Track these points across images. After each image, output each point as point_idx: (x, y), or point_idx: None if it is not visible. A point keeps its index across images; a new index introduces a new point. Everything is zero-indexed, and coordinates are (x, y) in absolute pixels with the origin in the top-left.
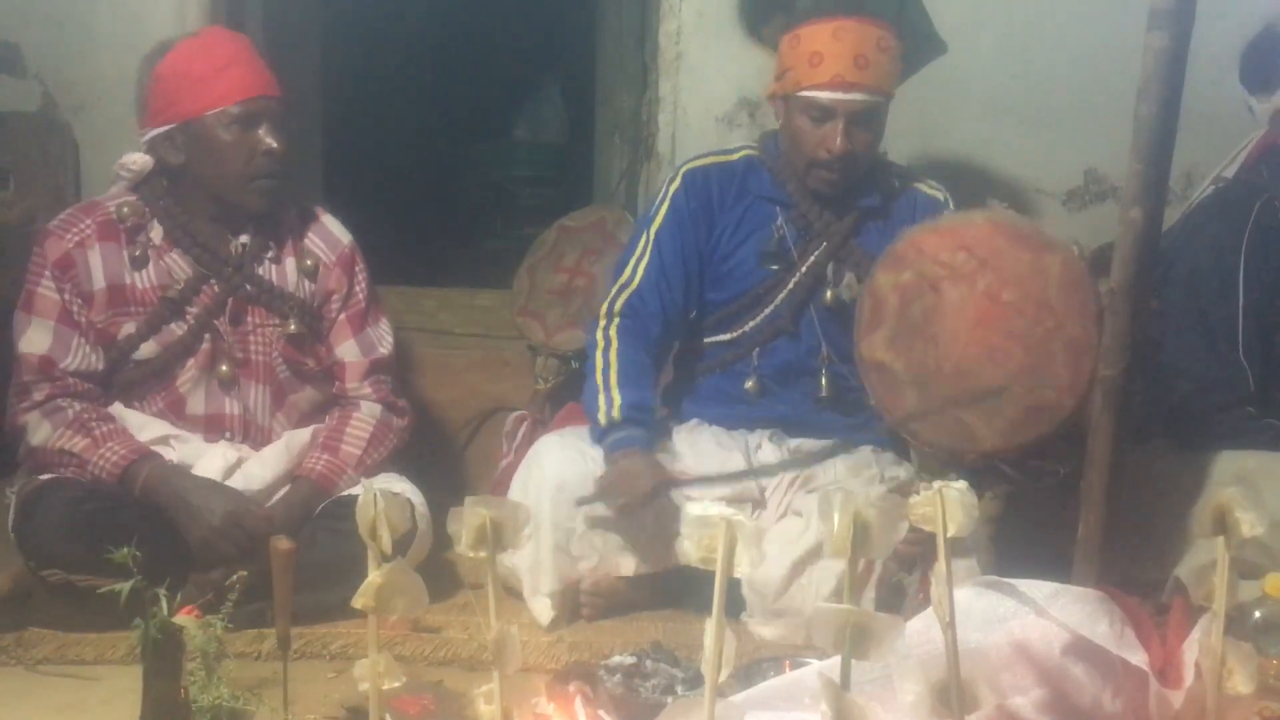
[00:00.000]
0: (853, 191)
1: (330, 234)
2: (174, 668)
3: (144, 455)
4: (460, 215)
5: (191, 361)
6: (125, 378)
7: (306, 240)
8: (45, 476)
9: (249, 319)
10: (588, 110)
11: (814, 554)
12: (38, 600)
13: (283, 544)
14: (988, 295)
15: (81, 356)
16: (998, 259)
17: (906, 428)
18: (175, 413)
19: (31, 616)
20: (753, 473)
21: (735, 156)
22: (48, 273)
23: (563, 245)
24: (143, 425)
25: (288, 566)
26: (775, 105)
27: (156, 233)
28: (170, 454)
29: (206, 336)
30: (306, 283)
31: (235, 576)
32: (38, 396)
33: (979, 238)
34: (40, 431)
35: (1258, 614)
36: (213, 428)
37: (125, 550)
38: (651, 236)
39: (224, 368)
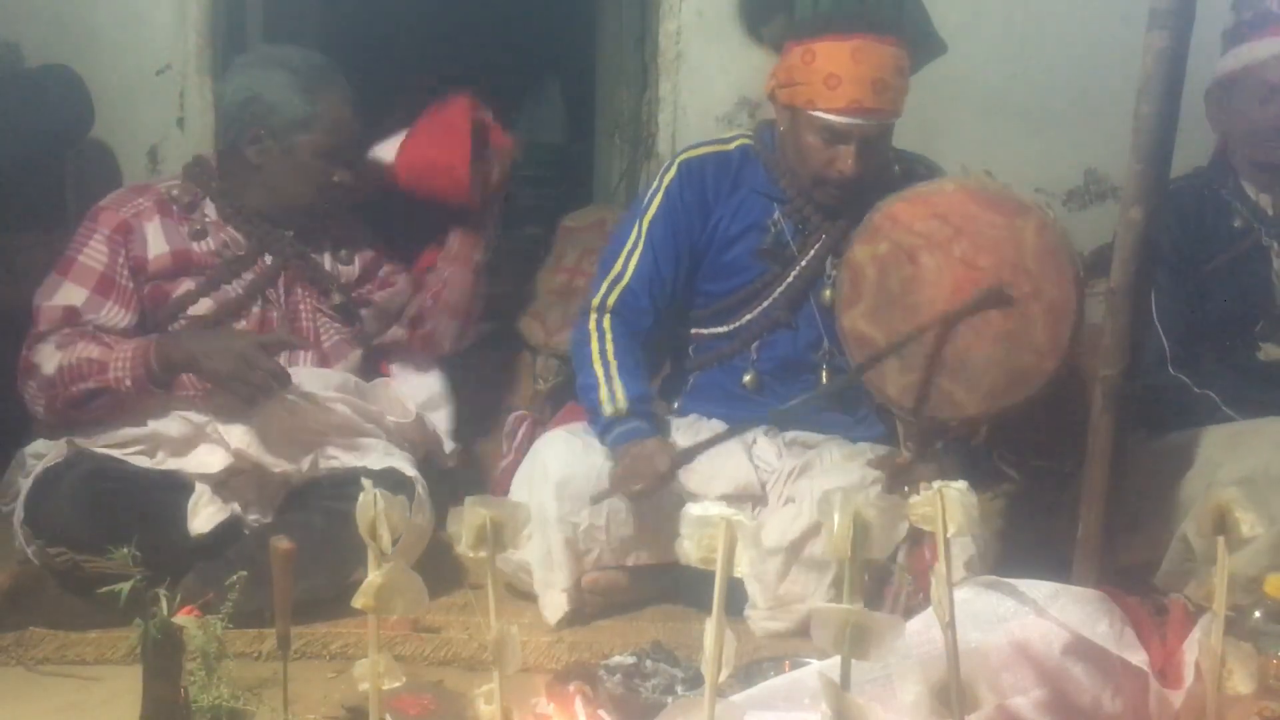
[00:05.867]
0: None
1: (354, 224)
2: (174, 668)
3: (151, 339)
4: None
5: (244, 325)
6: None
7: (338, 230)
8: (57, 459)
9: (299, 291)
10: (588, 110)
11: (809, 534)
12: (38, 600)
13: (283, 544)
14: (964, 262)
15: (108, 314)
16: (971, 225)
17: (882, 388)
18: None
19: (32, 616)
20: (757, 421)
21: (731, 146)
22: (97, 239)
23: (563, 245)
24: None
25: (288, 566)
26: (778, 109)
27: (211, 210)
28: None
29: (259, 302)
30: (342, 269)
31: (235, 576)
32: (42, 330)
33: (951, 205)
34: (53, 359)
35: (1258, 614)
36: None
37: (125, 551)
38: (644, 229)
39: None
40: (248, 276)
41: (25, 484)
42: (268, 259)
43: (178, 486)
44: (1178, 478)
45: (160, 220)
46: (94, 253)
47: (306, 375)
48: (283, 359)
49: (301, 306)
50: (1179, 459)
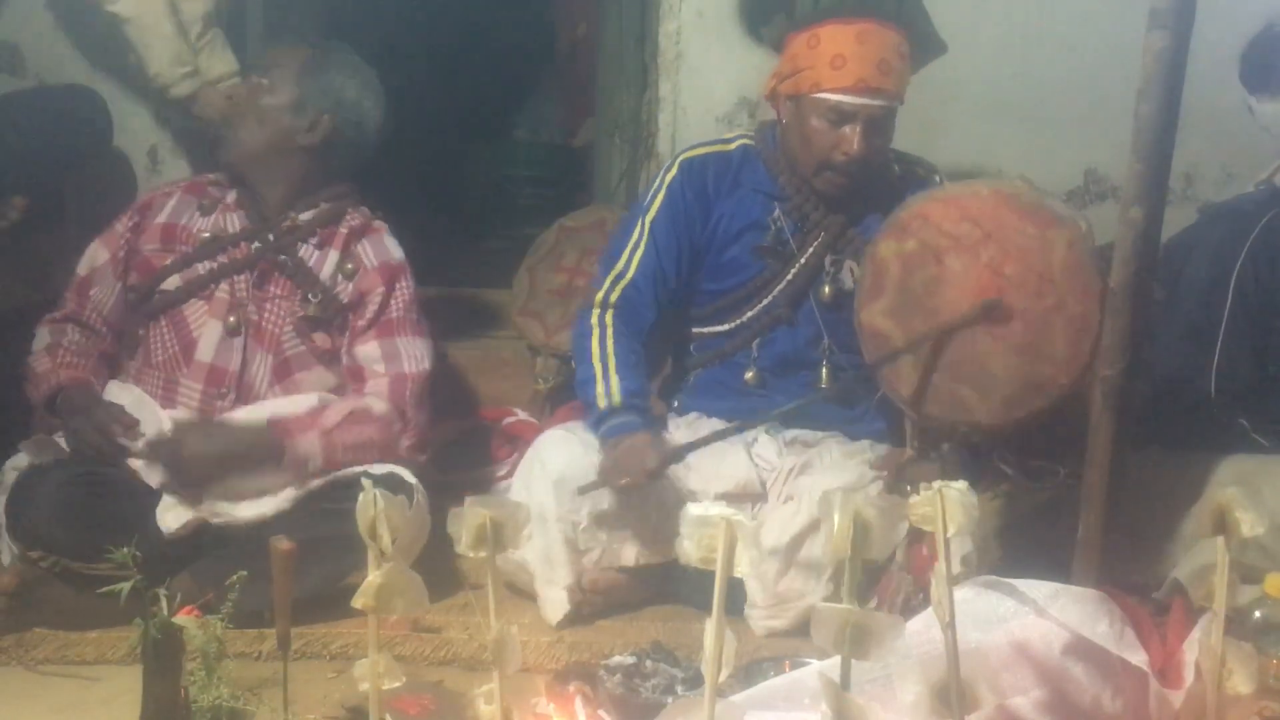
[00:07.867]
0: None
1: (384, 247)
2: (174, 668)
3: (72, 383)
4: (460, 215)
5: (204, 306)
6: (149, 308)
7: (358, 246)
8: (35, 462)
9: (272, 287)
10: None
11: (807, 532)
12: (39, 600)
13: (283, 544)
14: (990, 268)
15: (102, 287)
16: (1002, 232)
17: (896, 387)
18: (186, 356)
19: (32, 616)
20: (751, 422)
21: (731, 146)
22: (127, 213)
23: (563, 245)
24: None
25: (288, 566)
26: (779, 104)
27: (231, 195)
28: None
29: (225, 285)
30: (341, 280)
31: (235, 576)
32: (57, 315)
33: (985, 209)
34: (38, 341)
35: (1258, 614)
36: (213, 380)
37: (125, 550)
38: (647, 226)
39: (232, 319)
40: (221, 259)
41: (3, 495)
42: (252, 247)
43: (153, 492)
44: (1189, 503)
45: (180, 196)
46: (117, 224)
47: (276, 407)
48: (240, 357)
49: (269, 305)
50: (1196, 483)
